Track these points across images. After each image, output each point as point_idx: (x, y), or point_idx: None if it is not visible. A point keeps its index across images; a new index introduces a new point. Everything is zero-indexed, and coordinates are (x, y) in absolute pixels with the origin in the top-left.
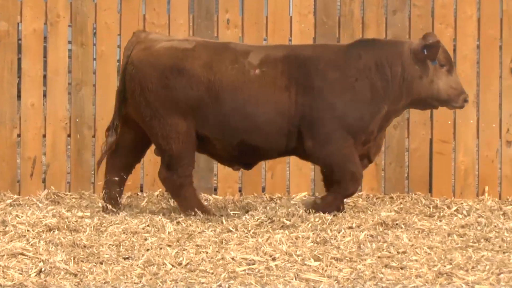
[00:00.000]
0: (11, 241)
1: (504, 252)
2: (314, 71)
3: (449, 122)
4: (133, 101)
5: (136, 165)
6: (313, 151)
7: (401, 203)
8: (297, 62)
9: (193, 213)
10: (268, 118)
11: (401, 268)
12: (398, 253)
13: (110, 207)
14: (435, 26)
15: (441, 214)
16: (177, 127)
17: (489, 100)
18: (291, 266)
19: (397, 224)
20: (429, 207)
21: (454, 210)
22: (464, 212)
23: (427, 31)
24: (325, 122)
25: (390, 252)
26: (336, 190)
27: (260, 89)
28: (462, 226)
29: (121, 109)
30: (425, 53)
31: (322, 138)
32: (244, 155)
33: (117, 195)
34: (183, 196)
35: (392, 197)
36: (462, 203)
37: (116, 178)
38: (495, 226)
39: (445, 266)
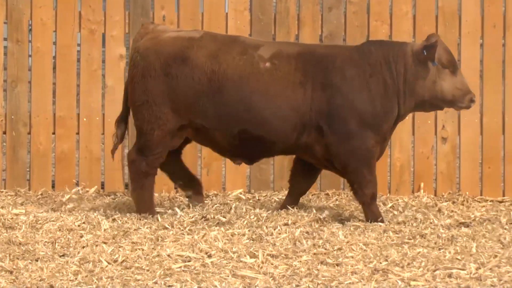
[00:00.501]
0: None
1: (439, 249)
2: (332, 67)
3: None
4: (131, 87)
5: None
6: (334, 146)
7: (336, 199)
8: (313, 59)
9: (141, 207)
10: (276, 112)
11: (337, 265)
12: (334, 249)
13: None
14: (371, 23)
15: None
16: (168, 116)
17: None
18: (227, 263)
19: (333, 220)
20: None
21: (390, 207)
22: (400, 208)
23: (362, 28)
24: (346, 118)
25: (326, 249)
26: (360, 200)
27: (270, 82)
28: (398, 223)
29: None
30: (425, 53)
31: (343, 135)
32: (245, 145)
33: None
34: (141, 184)
35: (327, 194)
36: (397, 200)
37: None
38: (431, 223)
39: (380, 263)
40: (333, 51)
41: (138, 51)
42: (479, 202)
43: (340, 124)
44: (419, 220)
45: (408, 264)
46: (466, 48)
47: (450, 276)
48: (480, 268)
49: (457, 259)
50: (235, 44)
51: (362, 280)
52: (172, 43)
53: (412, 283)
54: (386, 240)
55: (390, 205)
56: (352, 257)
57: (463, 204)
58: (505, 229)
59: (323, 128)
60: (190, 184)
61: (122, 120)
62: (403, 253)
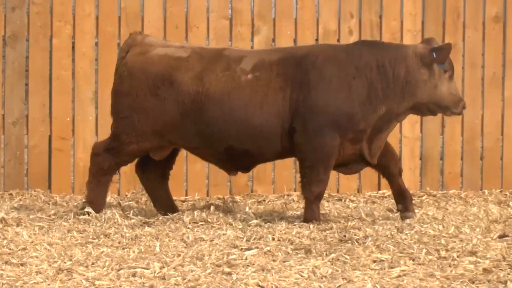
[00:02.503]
0: None
1: (123, 248)
2: (311, 66)
3: (68, 119)
4: (114, 98)
5: None
6: (300, 143)
7: (20, 199)
8: (294, 62)
9: (88, 199)
10: (260, 122)
11: (21, 265)
12: (18, 249)
13: None
14: (54, 23)
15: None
16: (147, 136)
17: (107, 96)
18: None
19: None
20: (49, 204)
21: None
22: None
23: (45, 28)
24: (316, 114)
25: (10, 249)
26: (305, 195)
27: (252, 94)
28: (84, 222)
29: None
30: (434, 56)
31: (310, 132)
32: (234, 160)
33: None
34: (98, 179)
35: (11, 194)
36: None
37: None
38: (115, 222)
39: (65, 263)
40: (316, 50)
41: (126, 65)
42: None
43: (309, 121)
44: (103, 220)
45: (93, 263)
46: None
47: (134, 275)
48: (164, 267)
49: (141, 258)
50: (219, 61)
51: (46, 280)
52: (160, 62)
53: (97, 282)
54: (71, 240)
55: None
56: (37, 257)
57: (146, 204)
58: (188, 228)
59: (295, 127)
60: (169, 211)
61: None
62: (87, 252)
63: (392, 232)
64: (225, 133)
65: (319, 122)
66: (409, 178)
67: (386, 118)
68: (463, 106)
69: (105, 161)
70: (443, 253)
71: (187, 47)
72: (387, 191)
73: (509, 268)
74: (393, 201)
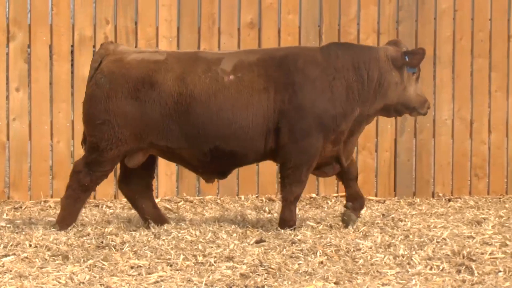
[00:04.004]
0: None
1: None
2: (293, 68)
3: None
4: (88, 105)
5: None
6: (287, 145)
7: None
8: (274, 63)
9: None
10: (246, 123)
11: None
12: None
13: None
14: None
15: None
16: (127, 138)
17: None
18: None
19: None
20: None
21: None
22: None
23: None
24: (303, 117)
25: None
26: (284, 195)
27: (236, 95)
28: None
29: None
30: (407, 59)
31: (297, 134)
32: (217, 161)
33: None
34: (77, 196)
35: None
36: None
37: None
38: None
39: None
40: (295, 52)
41: (102, 73)
42: None
43: (296, 123)
44: None
45: None
46: None
47: None
48: None
49: None
50: (198, 62)
51: None
52: (139, 66)
53: None
54: None
55: None
56: None
57: None
58: None
59: (280, 128)
60: (157, 221)
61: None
62: None
63: (149, 238)
64: (211, 134)
65: (307, 123)
66: (166, 184)
67: (358, 119)
68: (428, 106)
69: (85, 177)
70: (200, 259)
71: (161, 51)
72: None
73: (266, 273)
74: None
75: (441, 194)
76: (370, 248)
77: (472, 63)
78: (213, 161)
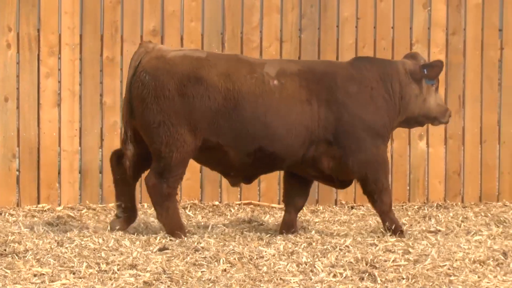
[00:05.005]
0: None
1: None
2: (334, 85)
3: None
4: (141, 108)
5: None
6: (353, 164)
7: None
8: (314, 76)
9: (170, 228)
10: (290, 128)
11: None
12: None
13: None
14: None
15: None
16: (185, 137)
17: None
18: None
19: None
20: None
21: None
22: None
23: None
24: (355, 134)
25: None
26: (379, 209)
27: (281, 100)
28: None
29: (131, 119)
30: (425, 72)
31: (356, 149)
32: (258, 162)
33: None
34: (166, 206)
35: None
36: None
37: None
38: None
39: None
40: (332, 68)
41: (146, 70)
42: None
43: (348, 139)
44: None
45: None
46: None
47: None
48: None
49: None
50: (241, 62)
51: None
52: (183, 62)
53: None
54: None
55: None
56: None
57: None
58: None
59: (332, 143)
60: (127, 211)
61: (127, 140)
62: None
63: (52, 246)
64: (258, 134)
65: (362, 137)
66: (68, 192)
67: None
68: (450, 114)
69: (162, 186)
70: (103, 267)
71: (201, 50)
72: (46, 205)
73: (169, 280)
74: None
75: (344, 202)
76: (273, 255)
77: None
78: (255, 162)
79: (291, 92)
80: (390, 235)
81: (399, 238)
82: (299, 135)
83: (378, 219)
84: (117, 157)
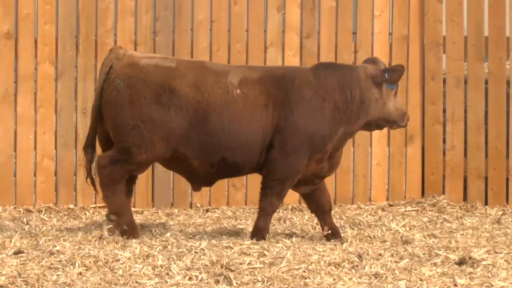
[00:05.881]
0: None
1: None
2: (290, 87)
3: None
4: (113, 112)
5: None
6: (275, 160)
7: None
8: (273, 81)
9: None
10: (252, 136)
11: None
12: None
13: None
14: None
15: None
16: (156, 145)
17: None
18: None
19: None
20: None
21: None
22: None
23: None
24: (296, 135)
25: None
26: (264, 206)
27: (244, 109)
28: None
29: (97, 125)
30: (386, 76)
31: (288, 149)
32: (220, 172)
33: None
34: (113, 190)
35: None
36: None
37: None
38: None
39: None
40: (291, 72)
41: (119, 77)
42: None
43: (288, 140)
44: None
45: None
46: None
47: None
48: None
49: None
50: (207, 72)
51: None
52: (156, 71)
53: None
54: None
55: None
56: None
57: None
58: None
59: (274, 143)
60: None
61: (90, 146)
62: None
63: None
64: (222, 145)
65: (299, 141)
66: None
67: (343, 137)
68: (407, 118)
69: (113, 170)
70: None
71: (171, 58)
72: None
73: (24, 284)
74: None
75: (199, 205)
76: (129, 258)
77: None
78: (218, 171)
79: (253, 100)
80: (249, 237)
81: (254, 241)
82: (258, 141)
83: (233, 222)
84: None
